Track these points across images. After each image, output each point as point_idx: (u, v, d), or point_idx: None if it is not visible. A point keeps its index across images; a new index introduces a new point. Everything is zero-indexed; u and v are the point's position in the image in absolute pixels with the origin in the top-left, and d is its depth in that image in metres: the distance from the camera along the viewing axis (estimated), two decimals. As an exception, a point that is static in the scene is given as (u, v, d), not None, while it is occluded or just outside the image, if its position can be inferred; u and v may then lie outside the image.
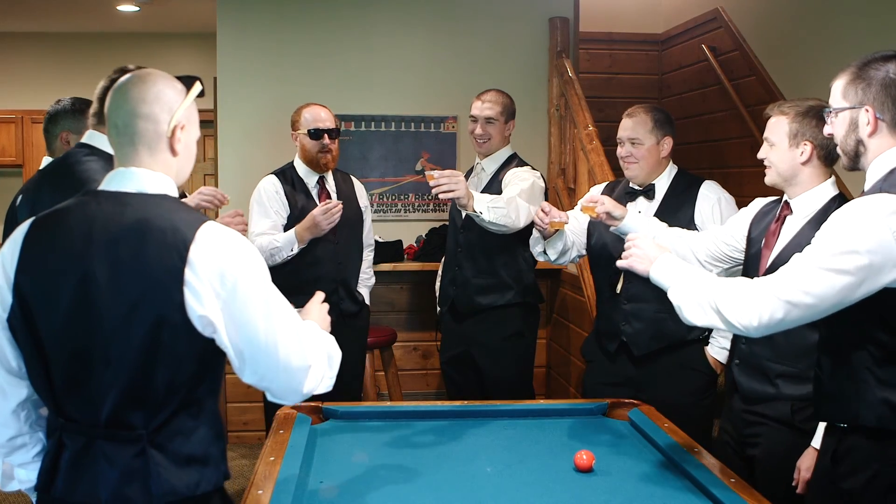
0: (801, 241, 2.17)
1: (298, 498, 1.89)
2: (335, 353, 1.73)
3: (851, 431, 1.81)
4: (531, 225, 3.27)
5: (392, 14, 4.96)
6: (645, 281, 2.67)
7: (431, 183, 2.91)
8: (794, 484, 2.16)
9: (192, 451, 1.58)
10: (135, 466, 1.54)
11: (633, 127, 2.88)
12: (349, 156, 4.86)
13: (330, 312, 3.32)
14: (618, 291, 2.88)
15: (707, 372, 2.85)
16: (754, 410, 2.35)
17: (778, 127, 2.29)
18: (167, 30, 7.66)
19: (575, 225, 3.01)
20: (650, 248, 2.13)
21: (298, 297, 3.30)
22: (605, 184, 3.17)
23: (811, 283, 1.70)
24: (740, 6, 5.29)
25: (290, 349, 1.58)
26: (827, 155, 2.25)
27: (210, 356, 1.58)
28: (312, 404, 2.51)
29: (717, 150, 5.32)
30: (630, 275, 2.79)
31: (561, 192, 4.87)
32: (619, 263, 2.24)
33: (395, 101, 4.96)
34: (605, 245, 2.94)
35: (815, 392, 1.93)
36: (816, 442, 2.12)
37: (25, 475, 1.71)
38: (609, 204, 2.68)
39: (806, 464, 2.14)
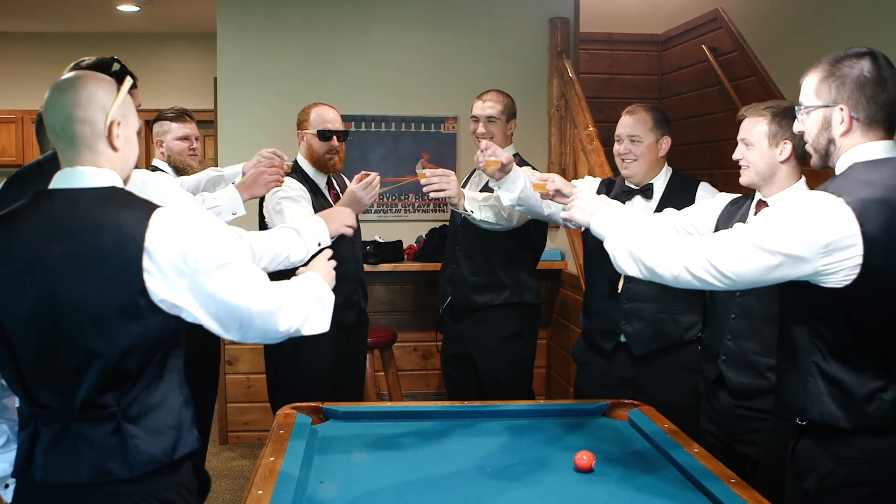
0: None
1: (298, 498, 1.89)
2: (326, 297, 1.88)
3: (804, 432, 1.85)
4: (529, 224, 3.27)
5: (392, 14, 4.96)
6: (646, 280, 2.68)
7: (423, 182, 2.93)
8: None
9: (165, 419, 1.66)
10: (112, 443, 1.61)
11: (633, 124, 2.88)
12: (349, 156, 4.83)
13: (350, 314, 3.32)
14: (619, 290, 2.88)
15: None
16: (747, 406, 2.36)
17: (755, 127, 2.33)
18: (167, 30, 7.66)
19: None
20: (592, 200, 2.20)
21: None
22: (599, 179, 3.15)
23: (737, 255, 1.78)
24: (740, 7, 5.29)
25: (259, 300, 1.68)
26: (802, 154, 2.28)
27: (174, 331, 1.67)
28: (312, 404, 2.52)
29: (717, 151, 5.32)
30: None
31: (561, 193, 4.87)
32: (561, 214, 2.33)
33: (395, 101, 4.96)
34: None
35: (775, 387, 1.98)
36: None
37: None
38: (559, 182, 2.68)
39: None
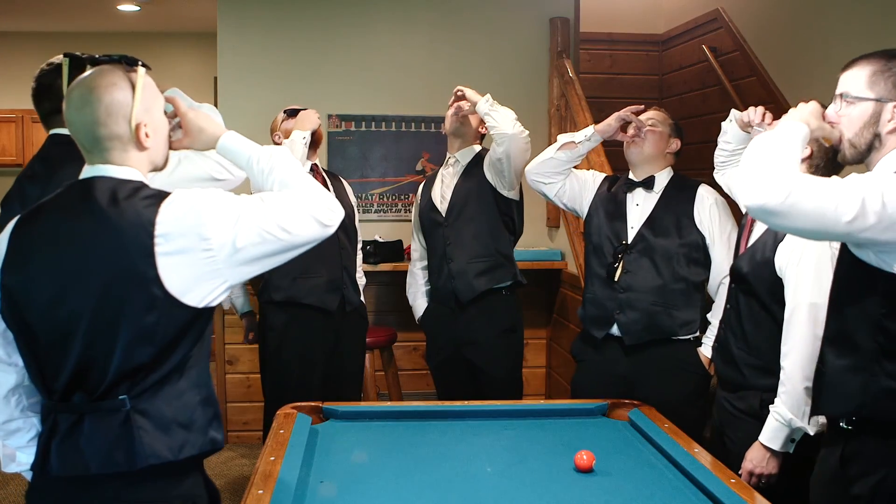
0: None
1: (299, 498, 1.89)
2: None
3: (858, 432, 1.76)
4: (512, 209, 3.40)
5: (392, 14, 4.96)
6: (643, 271, 2.78)
7: (454, 108, 3.35)
8: (740, 473, 2.19)
9: (176, 416, 1.62)
10: (120, 434, 1.58)
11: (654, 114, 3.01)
12: (349, 156, 4.86)
13: (332, 298, 3.42)
14: (616, 279, 2.88)
15: (700, 373, 2.85)
16: (730, 401, 2.40)
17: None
18: (167, 29, 7.66)
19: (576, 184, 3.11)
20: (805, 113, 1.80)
21: (308, 297, 3.31)
22: (603, 175, 3.17)
23: (823, 187, 1.58)
24: (741, 7, 5.29)
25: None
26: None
27: (190, 328, 1.62)
28: (312, 404, 2.52)
29: (717, 151, 5.32)
30: (629, 263, 2.82)
31: (561, 193, 4.86)
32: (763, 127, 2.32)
33: (395, 101, 4.96)
34: (604, 232, 2.96)
35: (816, 387, 1.90)
36: (763, 437, 2.21)
37: (25, 458, 1.78)
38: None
39: (751, 455, 2.23)
